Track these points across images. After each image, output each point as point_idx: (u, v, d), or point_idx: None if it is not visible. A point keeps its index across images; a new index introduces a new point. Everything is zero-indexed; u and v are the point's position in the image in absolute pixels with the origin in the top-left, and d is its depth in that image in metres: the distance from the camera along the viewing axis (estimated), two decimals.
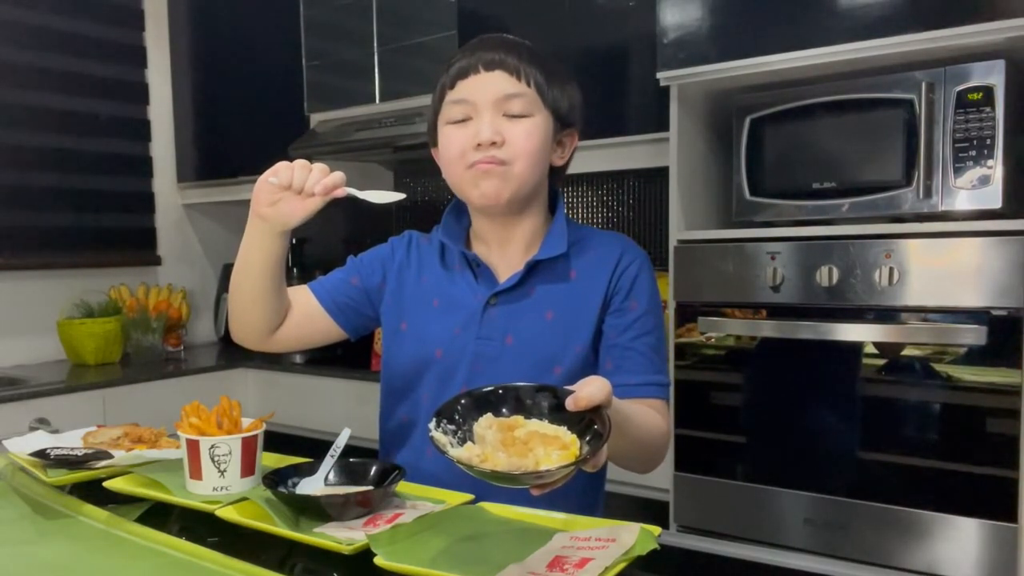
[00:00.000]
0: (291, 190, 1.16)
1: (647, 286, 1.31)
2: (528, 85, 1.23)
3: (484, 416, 0.96)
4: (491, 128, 1.21)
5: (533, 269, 1.29)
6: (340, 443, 1.14)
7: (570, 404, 0.94)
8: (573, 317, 1.29)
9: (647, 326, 1.29)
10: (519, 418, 0.96)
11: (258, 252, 1.24)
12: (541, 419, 0.96)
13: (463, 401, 0.98)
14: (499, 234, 1.33)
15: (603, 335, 1.30)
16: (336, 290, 1.38)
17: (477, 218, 1.34)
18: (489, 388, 1.00)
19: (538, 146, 1.24)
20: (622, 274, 1.30)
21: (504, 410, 0.98)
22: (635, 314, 1.29)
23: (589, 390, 0.93)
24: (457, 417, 0.96)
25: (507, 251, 1.33)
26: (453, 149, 1.25)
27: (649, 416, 1.22)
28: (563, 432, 0.93)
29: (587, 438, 0.92)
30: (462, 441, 0.94)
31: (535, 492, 0.90)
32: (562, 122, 1.29)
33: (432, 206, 3.48)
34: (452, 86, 1.26)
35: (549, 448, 0.89)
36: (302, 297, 1.37)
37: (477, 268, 1.32)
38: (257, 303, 1.28)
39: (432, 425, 0.93)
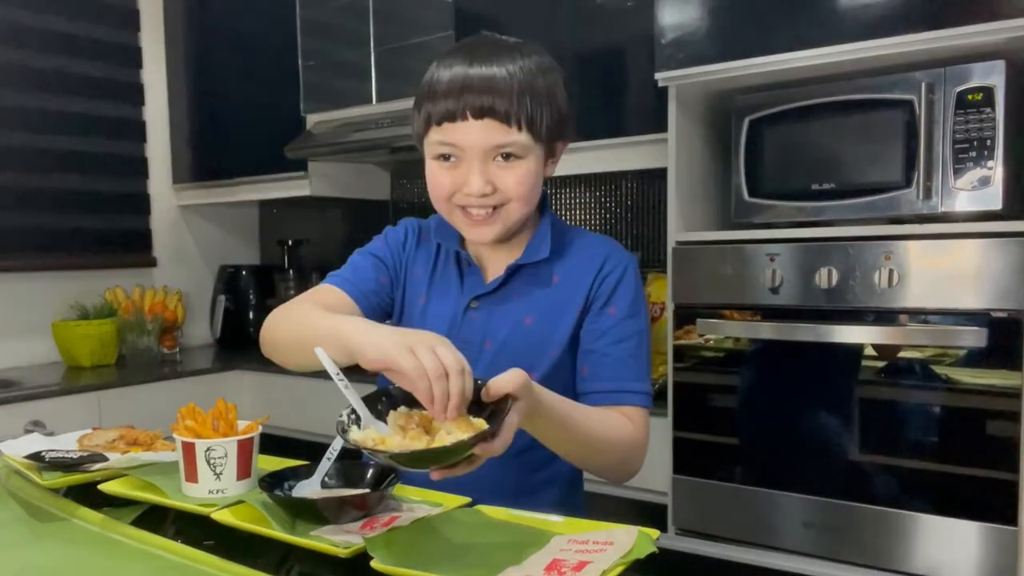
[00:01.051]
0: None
1: (629, 291, 1.29)
2: (519, 130, 1.18)
3: (398, 409, 1.00)
4: (481, 180, 1.19)
5: (515, 273, 1.28)
6: (336, 446, 1.13)
7: (483, 394, 0.97)
8: (552, 322, 1.28)
9: (625, 332, 1.27)
10: None
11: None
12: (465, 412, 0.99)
13: (390, 394, 1.02)
14: (488, 248, 1.32)
15: (580, 340, 1.28)
16: (370, 293, 1.32)
17: None
18: None
19: (531, 187, 1.22)
20: (604, 279, 1.29)
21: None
22: (613, 320, 1.27)
23: (499, 380, 0.96)
24: (380, 408, 1.01)
25: (498, 256, 1.32)
26: (441, 189, 1.23)
27: (613, 421, 1.21)
28: (472, 421, 0.96)
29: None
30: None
31: (434, 476, 0.94)
32: (553, 140, 1.26)
33: (430, 208, 3.47)
34: (439, 124, 1.20)
35: (451, 437, 0.93)
36: (342, 307, 1.27)
37: (468, 268, 1.31)
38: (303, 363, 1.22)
39: (346, 412, 0.98)
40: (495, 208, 1.22)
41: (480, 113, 1.17)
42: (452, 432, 0.93)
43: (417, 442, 0.93)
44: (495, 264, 1.32)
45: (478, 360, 1.26)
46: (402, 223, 1.41)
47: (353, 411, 0.99)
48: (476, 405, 0.98)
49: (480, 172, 1.19)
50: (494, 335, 1.27)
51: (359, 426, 0.98)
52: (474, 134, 1.18)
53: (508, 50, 1.21)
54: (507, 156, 1.19)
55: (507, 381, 0.96)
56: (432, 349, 0.94)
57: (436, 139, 1.21)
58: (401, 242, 1.38)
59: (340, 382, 1.01)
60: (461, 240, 1.33)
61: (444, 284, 1.32)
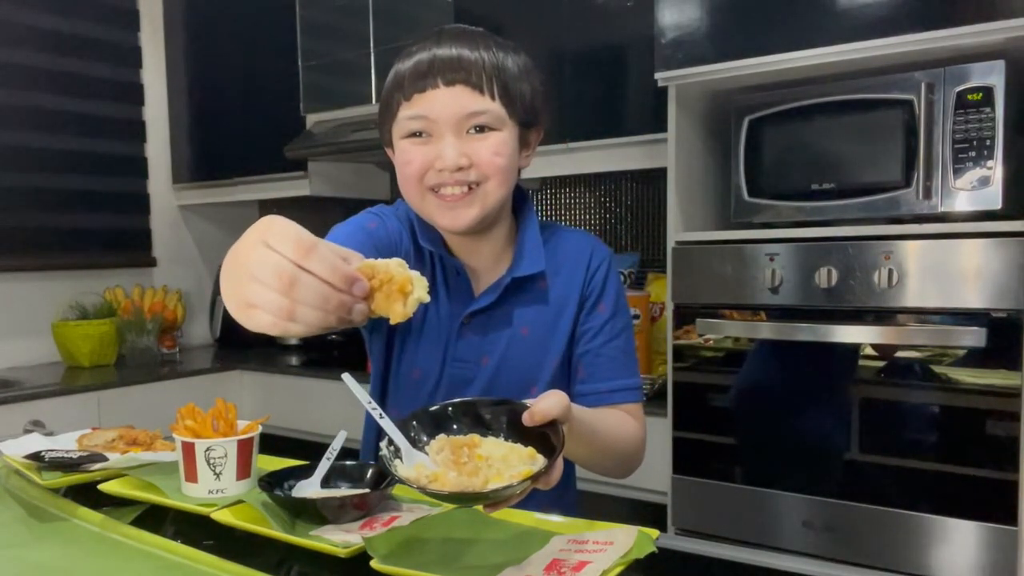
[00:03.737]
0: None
1: (614, 287, 1.29)
2: (493, 99, 1.13)
3: (436, 439, 0.93)
4: (455, 151, 1.11)
5: (508, 286, 1.23)
6: (336, 445, 1.13)
7: (526, 419, 0.90)
8: (549, 330, 1.26)
9: (616, 329, 1.27)
10: (475, 437, 0.93)
11: None
12: (499, 435, 0.93)
13: (417, 419, 0.95)
14: (467, 245, 1.25)
15: (575, 340, 1.27)
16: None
17: (442, 228, 1.23)
18: (445, 404, 0.97)
19: (507, 163, 1.15)
20: (593, 277, 1.27)
21: (462, 426, 0.95)
22: (604, 317, 1.26)
23: (544, 405, 0.90)
24: (412, 435, 0.93)
25: (478, 260, 1.26)
26: (412, 168, 1.14)
27: (621, 423, 1.21)
28: (519, 449, 0.90)
29: (543, 453, 0.89)
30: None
31: (488, 511, 0.87)
32: (528, 124, 1.20)
33: None
34: (408, 98, 1.14)
35: (505, 466, 0.87)
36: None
37: (455, 278, 1.24)
38: None
39: (384, 444, 0.90)
40: (470, 188, 1.14)
41: (451, 81, 1.12)
42: (504, 460, 0.88)
43: (474, 479, 0.85)
44: (483, 269, 1.26)
45: (476, 377, 1.23)
46: (391, 220, 1.26)
47: (391, 442, 0.91)
48: (513, 427, 0.93)
49: (453, 143, 1.11)
50: (491, 351, 1.24)
51: (400, 458, 0.90)
52: (446, 101, 1.11)
53: (477, 36, 1.18)
54: (481, 129, 1.13)
55: (553, 406, 0.89)
56: (267, 288, 0.70)
57: (405, 115, 1.14)
58: (396, 243, 1.25)
59: (374, 411, 0.94)
60: (443, 243, 1.25)
61: (435, 298, 1.25)
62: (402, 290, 0.78)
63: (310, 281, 0.70)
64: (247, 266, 0.71)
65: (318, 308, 0.71)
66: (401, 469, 0.87)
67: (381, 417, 0.93)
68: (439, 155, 1.12)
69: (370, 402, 0.95)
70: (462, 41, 1.15)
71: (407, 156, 1.15)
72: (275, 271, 0.70)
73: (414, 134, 1.14)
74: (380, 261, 0.79)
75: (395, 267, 0.78)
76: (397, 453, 0.90)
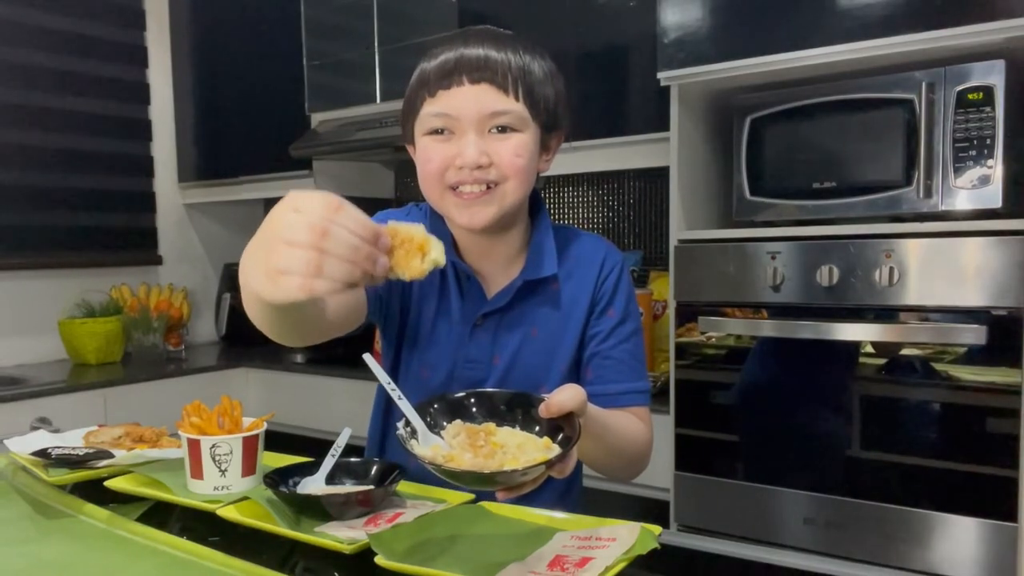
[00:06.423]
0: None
1: (625, 290, 1.29)
2: (516, 99, 1.14)
3: (453, 424, 0.95)
4: (476, 149, 1.12)
5: (520, 288, 1.24)
6: (341, 442, 1.14)
7: (542, 410, 0.93)
8: (559, 332, 1.26)
9: (625, 332, 1.27)
10: (490, 425, 0.95)
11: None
12: (514, 426, 0.95)
13: (436, 405, 0.97)
14: (481, 247, 1.25)
15: (585, 343, 1.28)
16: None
17: (457, 230, 1.25)
18: (463, 393, 0.99)
19: (527, 164, 1.16)
20: (604, 281, 1.28)
21: (478, 416, 0.97)
22: (614, 321, 1.27)
23: (561, 397, 0.92)
24: (429, 419, 0.95)
25: (491, 263, 1.27)
26: (432, 165, 1.15)
27: (631, 424, 1.22)
28: (534, 439, 0.92)
29: (557, 444, 0.91)
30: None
31: (500, 496, 0.88)
32: (549, 128, 1.21)
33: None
34: (432, 95, 1.14)
35: (521, 453, 0.89)
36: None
37: (467, 282, 1.25)
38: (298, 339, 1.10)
39: (401, 424, 0.92)
40: (489, 188, 1.14)
41: (477, 79, 1.12)
42: (520, 448, 0.90)
43: (490, 461, 0.88)
44: (495, 272, 1.27)
45: (488, 377, 1.24)
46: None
47: (408, 423, 0.93)
48: (528, 420, 0.95)
49: (475, 141, 1.12)
50: (502, 351, 1.24)
51: (417, 439, 0.92)
52: (469, 99, 1.12)
53: (505, 37, 1.18)
54: (503, 129, 1.14)
55: (570, 399, 0.92)
56: (297, 247, 0.73)
57: (429, 112, 1.15)
58: None
59: (393, 392, 0.96)
60: (455, 248, 1.26)
61: (446, 301, 1.26)
62: (421, 249, 0.82)
63: (341, 232, 0.74)
64: (277, 231, 0.74)
65: (347, 260, 0.74)
66: (417, 448, 0.89)
67: (400, 398, 0.95)
68: (459, 153, 1.12)
69: (389, 382, 0.96)
70: (489, 42, 1.15)
71: (428, 153, 1.16)
72: (307, 225, 0.73)
73: (436, 131, 1.15)
74: (402, 224, 0.83)
75: (415, 229, 0.82)
76: (413, 434, 0.92)
